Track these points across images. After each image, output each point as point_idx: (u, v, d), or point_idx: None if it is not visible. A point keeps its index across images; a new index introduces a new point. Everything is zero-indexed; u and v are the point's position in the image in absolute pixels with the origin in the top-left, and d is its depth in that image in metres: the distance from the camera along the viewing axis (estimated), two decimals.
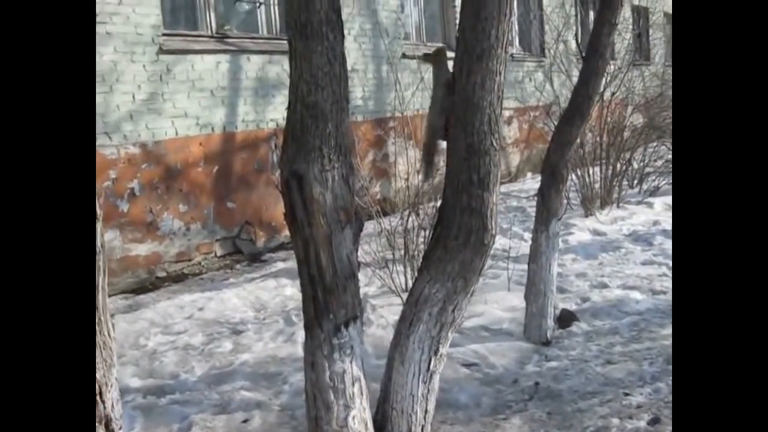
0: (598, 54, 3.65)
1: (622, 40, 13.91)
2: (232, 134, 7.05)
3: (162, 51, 6.34)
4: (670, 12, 18.75)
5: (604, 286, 5.29)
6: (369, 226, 4.37)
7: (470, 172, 2.47)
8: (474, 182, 2.47)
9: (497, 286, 5.29)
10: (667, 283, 5.20)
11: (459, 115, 2.40)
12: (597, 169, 8.18)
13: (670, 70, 15.29)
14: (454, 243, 2.53)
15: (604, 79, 5.96)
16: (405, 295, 3.21)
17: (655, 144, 9.68)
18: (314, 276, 2.34)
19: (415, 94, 6.10)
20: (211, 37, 7.00)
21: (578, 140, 4.81)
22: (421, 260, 2.89)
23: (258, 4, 7.44)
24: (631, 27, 15.44)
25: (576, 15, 13.68)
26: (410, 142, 6.19)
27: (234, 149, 7.09)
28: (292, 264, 6.01)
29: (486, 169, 2.47)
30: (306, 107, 2.24)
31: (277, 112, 7.34)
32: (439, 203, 2.76)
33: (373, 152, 8.73)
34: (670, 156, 9.90)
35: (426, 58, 2.87)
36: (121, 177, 6.04)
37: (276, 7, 7.71)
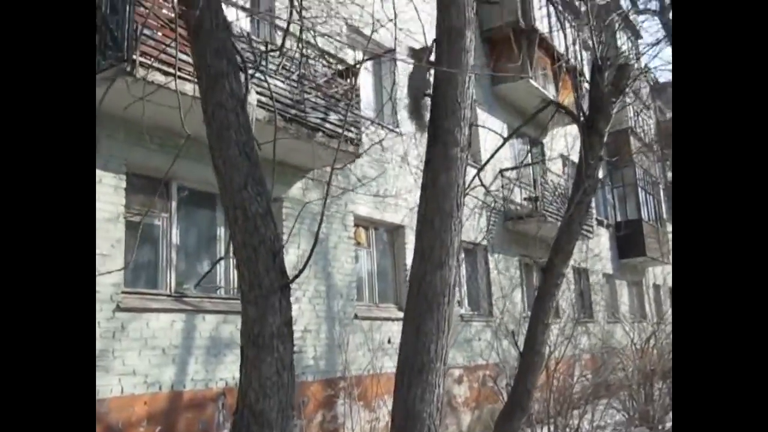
0: (534, 351, 3.93)
1: (567, 299, 14.67)
2: (179, 393, 6.96)
3: (119, 309, 6.49)
4: (609, 272, 20.08)
5: None
6: None
7: None
8: None
9: None
10: None
11: (399, 425, 2.54)
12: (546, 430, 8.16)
13: (609, 327, 15.95)
14: None
15: (551, 338, 6.30)
16: None
17: (605, 401, 9.79)
18: None
19: (365, 354, 6.24)
20: (170, 296, 7.22)
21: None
22: None
23: (218, 260, 7.78)
24: (572, 286, 16.38)
25: (521, 276, 14.57)
26: (360, 403, 6.19)
27: (180, 408, 6.95)
28: None
29: None
30: (253, 414, 2.36)
31: (227, 371, 7.34)
32: None
33: (321, 413, 8.61)
34: (621, 417, 9.99)
35: None
36: None
37: (234, 269, 8.08)
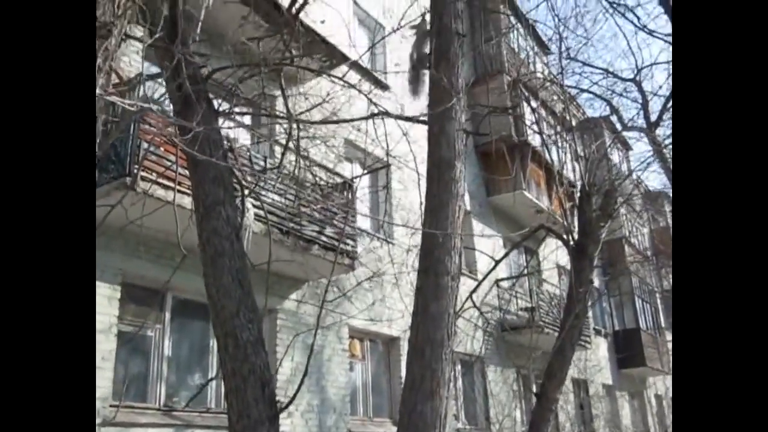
0: None
1: (566, 412, 14.33)
2: None
3: (106, 423, 6.32)
4: (609, 383, 19.68)
5: None
6: None
7: None
8: None
9: None
10: None
11: None
12: None
13: None
14: None
15: None
16: None
17: None
18: None
19: None
20: (159, 409, 7.05)
21: None
22: None
23: (208, 381, 7.67)
24: (571, 398, 16.02)
25: (518, 389, 14.27)
26: None
27: None
28: None
29: None
30: None
31: None
32: None
33: None
34: None
35: None
36: None
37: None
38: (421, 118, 4.03)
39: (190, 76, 3.79)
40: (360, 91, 4.03)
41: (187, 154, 3.60)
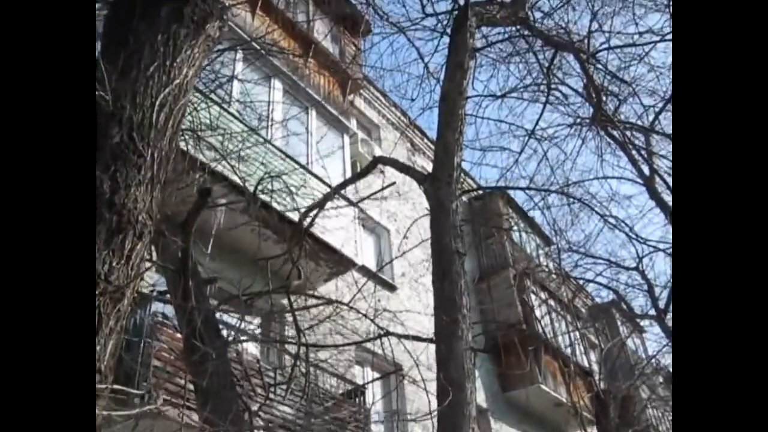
0: None
1: None
2: None
3: None
4: None
5: None
6: None
7: None
8: None
9: None
10: None
11: None
12: None
13: None
14: None
15: None
16: None
17: None
18: None
19: None
20: None
21: None
22: None
23: None
24: None
25: None
26: None
27: None
28: None
29: None
30: None
31: None
32: None
33: None
34: None
35: None
36: None
37: None
38: (428, 338, 4.06)
39: (199, 310, 3.89)
40: (365, 315, 4.11)
41: (196, 387, 3.59)
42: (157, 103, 2.64)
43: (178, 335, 7.21)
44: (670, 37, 7.97)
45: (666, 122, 9.17)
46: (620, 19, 8.08)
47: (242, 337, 4.11)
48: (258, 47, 9.21)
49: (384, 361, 10.15)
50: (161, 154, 2.61)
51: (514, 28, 7.24)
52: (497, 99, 8.20)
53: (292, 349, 6.84)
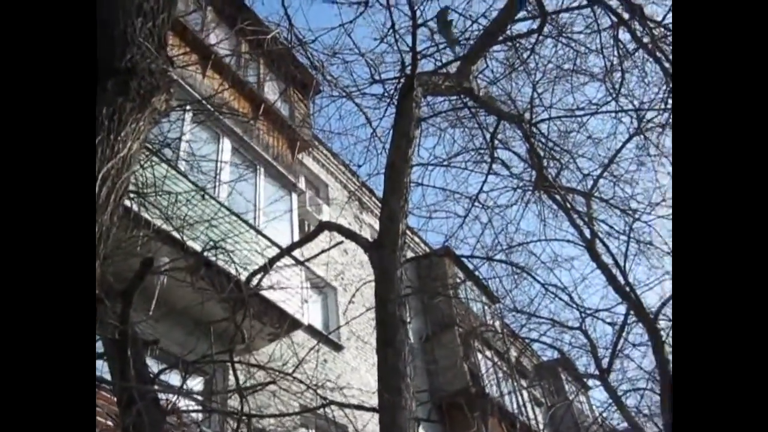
0: None
1: None
2: None
3: None
4: None
5: None
6: None
7: None
8: None
9: None
10: None
11: None
12: None
13: None
14: None
15: None
16: None
17: None
18: None
19: None
20: None
21: None
22: None
23: None
24: None
25: None
26: None
27: None
28: None
29: None
30: None
31: None
32: None
33: None
34: None
35: None
36: None
37: None
38: (372, 407, 4.04)
39: (138, 376, 3.80)
40: (309, 386, 4.07)
41: None
42: (99, 177, 2.63)
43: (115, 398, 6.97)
44: (605, 108, 8.39)
45: (604, 188, 9.56)
46: (561, 88, 8.44)
47: (182, 408, 4.00)
48: (208, 106, 9.24)
49: (332, 424, 9.97)
50: (101, 229, 2.58)
51: (458, 98, 7.49)
52: (442, 166, 8.42)
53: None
